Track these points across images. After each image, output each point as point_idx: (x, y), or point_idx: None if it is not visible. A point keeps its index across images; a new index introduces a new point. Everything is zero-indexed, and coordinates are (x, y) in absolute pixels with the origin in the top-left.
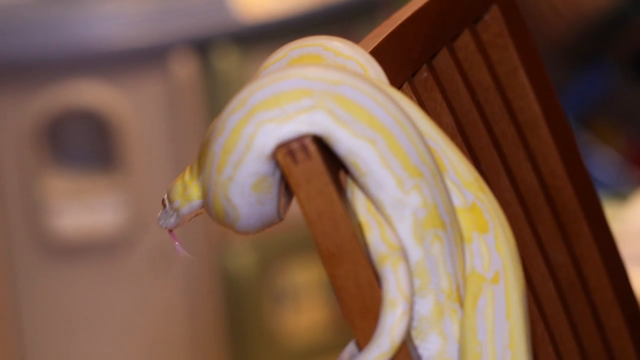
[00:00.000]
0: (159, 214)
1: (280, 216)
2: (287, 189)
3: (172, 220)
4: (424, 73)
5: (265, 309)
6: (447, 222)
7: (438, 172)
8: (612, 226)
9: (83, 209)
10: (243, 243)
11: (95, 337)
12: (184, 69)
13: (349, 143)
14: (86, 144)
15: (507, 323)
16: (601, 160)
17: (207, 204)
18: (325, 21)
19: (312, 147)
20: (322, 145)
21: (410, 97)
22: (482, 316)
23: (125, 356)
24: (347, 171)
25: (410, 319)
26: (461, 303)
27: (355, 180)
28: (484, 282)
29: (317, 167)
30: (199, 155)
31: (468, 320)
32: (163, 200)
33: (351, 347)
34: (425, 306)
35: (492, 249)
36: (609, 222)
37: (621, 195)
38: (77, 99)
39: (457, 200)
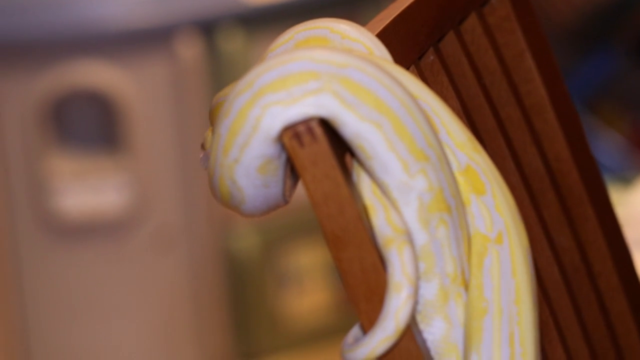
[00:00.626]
0: (200, 156)
1: (285, 199)
2: (293, 171)
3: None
4: (430, 56)
5: (268, 291)
6: (452, 206)
7: (444, 155)
8: (618, 210)
9: (87, 189)
10: (247, 225)
11: (98, 317)
12: (189, 50)
13: (355, 126)
14: (91, 125)
15: (512, 281)
16: (606, 144)
17: (212, 186)
18: (332, 3)
19: (319, 130)
20: (328, 128)
21: None
22: (489, 275)
23: (129, 336)
24: (353, 154)
25: (415, 302)
26: (466, 287)
27: (361, 163)
28: (488, 242)
29: (323, 150)
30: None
31: (475, 279)
32: (202, 144)
33: (356, 330)
34: (430, 290)
35: (492, 210)
36: (614, 207)
37: (626, 179)
38: (82, 80)
39: (451, 164)
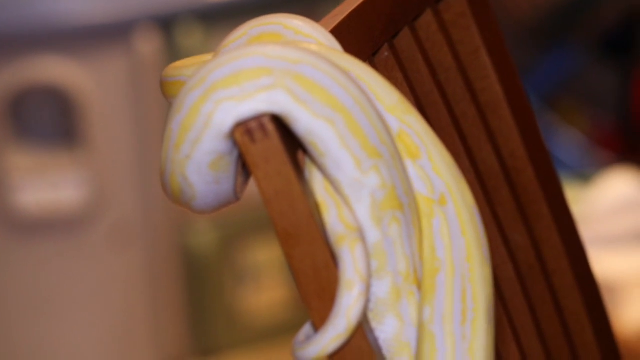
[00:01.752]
0: None
1: (237, 196)
2: (244, 168)
3: None
4: (385, 52)
5: (226, 287)
6: (405, 203)
7: (397, 152)
8: (576, 208)
9: (45, 185)
10: (205, 221)
11: (54, 312)
12: (147, 45)
13: (308, 123)
14: (49, 120)
15: (462, 239)
16: (565, 141)
17: (163, 182)
18: (290, 0)
19: (270, 126)
20: (280, 124)
21: None
22: (439, 234)
23: (86, 332)
24: (305, 151)
25: (367, 300)
26: (418, 285)
27: (313, 160)
28: (433, 204)
29: (275, 146)
30: None
31: (426, 240)
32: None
33: (307, 328)
34: (382, 288)
35: (430, 172)
36: (570, 204)
37: (585, 176)
38: (40, 75)
39: None
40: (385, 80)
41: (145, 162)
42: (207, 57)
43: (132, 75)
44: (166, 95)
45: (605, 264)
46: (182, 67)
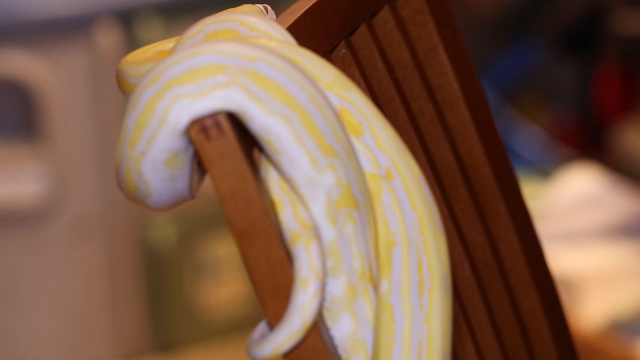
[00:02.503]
0: None
1: (192, 193)
2: (200, 165)
3: None
4: (342, 49)
5: (185, 282)
6: (360, 202)
7: (353, 151)
8: (536, 203)
9: (4, 178)
10: (164, 215)
11: (15, 305)
12: (107, 39)
13: (263, 120)
14: (8, 114)
15: (413, 212)
16: (526, 136)
17: (118, 179)
18: None
19: (226, 124)
20: (236, 122)
21: None
22: (390, 209)
23: (45, 326)
24: (261, 149)
25: (322, 298)
26: (374, 284)
27: (269, 158)
28: (379, 179)
29: (231, 144)
30: None
31: (379, 215)
32: None
33: (262, 326)
34: (337, 287)
35: (373, 148)
36: (527, 202)
37: (545, 172)
38: (0, 68)
39: None
40: (321, 59)
41: (105, 156)
42: (165, 45)
43: (92, 69)
44: (123, 90)
45: (565, 260)
46: (137, 64)
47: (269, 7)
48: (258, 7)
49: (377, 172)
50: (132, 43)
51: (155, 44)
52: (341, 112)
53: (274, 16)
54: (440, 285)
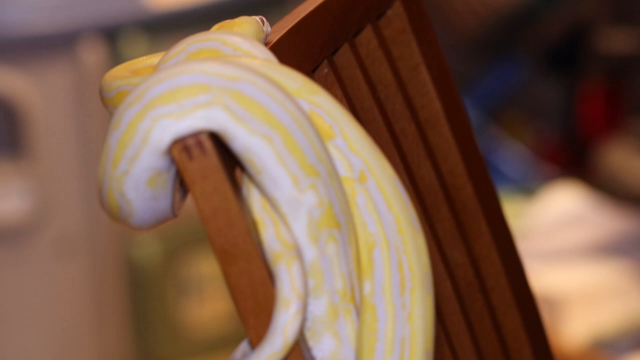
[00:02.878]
0: None
1: (174, 212)
2: (182, 185)
3: None
4: (324, 69)
5: (169, 299)
6: (342, 222)
7: (334, 171)
8: (520, 222)
9: None
10: (148, 233)
11: (0, 321)
12: (92, 56)
13: (245, 140)
14: None
15: (390, 213)
16: (510, 154)
17: (101, 198)
18: (235, 11)
19: (208, 144)
20: (218, 141)
21: None
22: (366, 211)
23: (29, 343)
24: (243, 168)
25: (304, 318)
26: (355, 304)
27: (251, 177)
28: (353, 182)
29: (213, 163)
30: None
31: (356, 218)
32: None
33: (244, 345)
34: (319, 307)
35: (346, 151)
36: (509, 221)
37: (529, 190)
38: None
39: None
40: (287, 68)
41: (90, 173)
42: (148, 59)
43: (77, 86)
44: (106, 105)
45: (549, 278)
46: (113, 78)
47: (264, 19)
48: (255, 19)
49: (350, 175)
50: (117, 60)
51: (139, 59)
52: (311, 117)
53: (269, 28)
54: (422, 283)
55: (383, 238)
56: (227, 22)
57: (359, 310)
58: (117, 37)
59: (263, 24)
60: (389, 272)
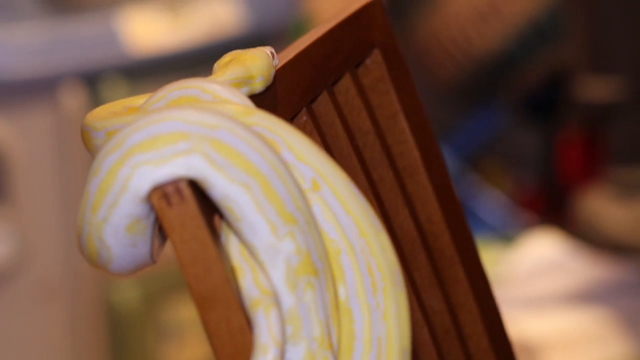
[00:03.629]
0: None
1: (153, 258)
2: (161, 231)
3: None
4: (303, 117)
5: (148, 344)
6: (319, 269)
7: (312, 218)
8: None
9: None
10: (127, 278)
11: None
12: (73, 101)
13: (224, 188)
14: None
15: (348, 217)
16: (488, 202)
17: (80, 244)
18: (215, 56)
19: (187, 191)
20: (197, 188)
21: None
22: (324, 220)
23: None
24: (222, 215)
25: None
26: (332, 350)
27: (229, 224)
28: (307, 193)
29: (191, 211)
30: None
31: (319, 225)
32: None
33: None
34: (297, 354)
35: (294, 162)
36: (486, 268)
37: (508, 237)
38: None
39: None
40: (229, 87)
41: (70, 217)
42: (131, 101)
43: (58, 130)
44: (86, 145)
45: (526, 325)
46: (102, 118)
47: (274, 52)
48: (265, 52)
49: (302, 186)
50: (97, 105)
51: (121, 100)
52: None
53: (277, 60)
54: (392, 282)
55: (346, 243)
56: (240, 54)
57: (336, 356)
58: (98, 82)
59: (273, 57)
60: (360, 275)
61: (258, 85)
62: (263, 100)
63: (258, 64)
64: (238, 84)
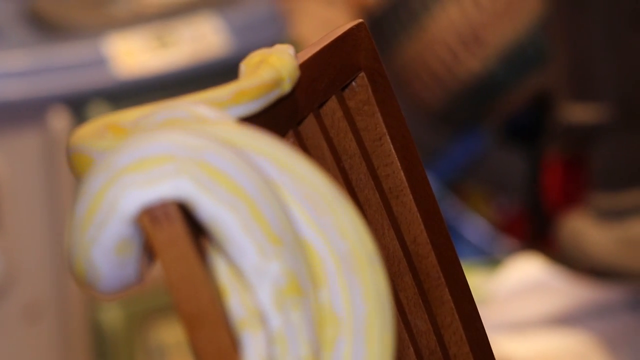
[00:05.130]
0: None
1: (140, 279)
2: (148, 252)
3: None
4: (290, 139)
5: None
6: (306, 289)
7: (299, 239)
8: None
9: None
10: (114, 299)
11: None
12: (60, 125)
13: (211, 210)
14: None
15: (330, 217)
16: (473, 226)
17: (69, 265)
18: (202, 79)
19: (175, 213)
20: (185, 210)
21: None
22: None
23: None
24: (209, 236)
25: None
26: None
27: (217, 246)
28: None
29: (179, 232)
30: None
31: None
32: None
33: None
34: None
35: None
36: (472, 290)
37: (493, 261)
38: None
39: None
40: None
41: (58, 240)
42: (115, 117)
43: (44, 153)
44: (72, 169)
45: (509, 346)
46: (88, 139)
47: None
48: (288, 51)
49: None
50: None
51: (104, 117)
52: None
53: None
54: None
55: (328, 248)
56: (267, 55)
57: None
58: (85, 106)
59: (294, 54)
60: (343, 279)
61: (287, 87)
62: (250, 121)
63: (286, 65)
64: (271, 86)
